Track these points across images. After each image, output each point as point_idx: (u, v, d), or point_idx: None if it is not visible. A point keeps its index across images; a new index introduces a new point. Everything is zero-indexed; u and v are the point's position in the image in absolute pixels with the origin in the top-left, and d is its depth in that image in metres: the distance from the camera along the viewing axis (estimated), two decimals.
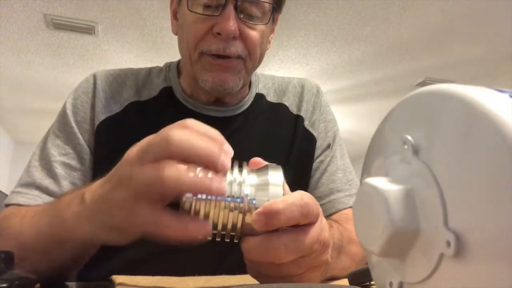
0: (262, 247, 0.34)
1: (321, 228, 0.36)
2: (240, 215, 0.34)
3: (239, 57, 0.63)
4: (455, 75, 3.79)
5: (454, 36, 3.17)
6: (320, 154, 0.75)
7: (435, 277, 0.23)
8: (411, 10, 2.83)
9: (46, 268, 0.46)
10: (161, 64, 0.80)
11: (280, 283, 0.45)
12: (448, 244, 0.21)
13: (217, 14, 0.61)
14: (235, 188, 0.34)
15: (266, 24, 0.65)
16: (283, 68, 3.76)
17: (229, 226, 0.34)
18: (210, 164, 0.33)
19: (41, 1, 2.73)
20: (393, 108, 0.28)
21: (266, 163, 0.39)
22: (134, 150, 0.35)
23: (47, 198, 0.61)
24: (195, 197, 0.33)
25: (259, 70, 0.78)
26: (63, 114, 0.69)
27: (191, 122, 0.35)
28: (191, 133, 0.33)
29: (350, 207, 0.70)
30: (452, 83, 0.24)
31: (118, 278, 0.45)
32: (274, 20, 0.71)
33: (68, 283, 0.53)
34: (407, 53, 3.44)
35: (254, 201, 0.34)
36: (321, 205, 0.55)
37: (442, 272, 0.22)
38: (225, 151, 0.34)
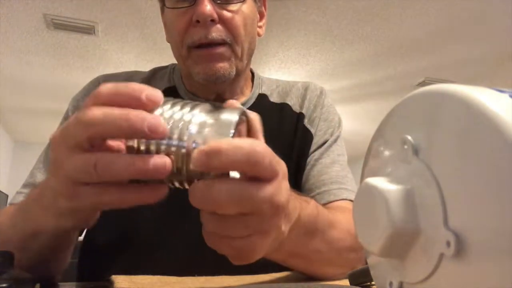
0: (205, 190, 0.31)
1: (277, 190, 0.33)
2: (184, 158, 0.31)
3: (224, 42, 0.64)
4: (455, 75, 3.80)
5: (454, 36, 3.17)
6: (315, 150, 0.74)
7: (435, 277, 0.23)
8: (411, 10, 2.83)
9: (26, 265, 0.45)
10: (162, 64, 0.80)
11: (281, 283, 0.45)
12: (448, 244, 0.21)
13: (192, 4, 0.63)
14: (180, 127, 0.31)
15: (242, 2, 0.65)
16: (283, 68, 3.76)
17: (175, 170, 0.31)
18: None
19: (41, 1, 2.73)
20: (393, 108, 0.28)
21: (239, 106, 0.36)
22: (56, 136, 0.33)
23: None
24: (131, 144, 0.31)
25: (260, 72, 0.78)
26: (65, 117, 0.71)
27: (103, 90, 0.32)
28: (104, 109, 0.31)
29: (343, 199, 0.67)
30: (452, 83, 0.24)
31: (117, 278, 0.45)
32: (258, 1, 0.71)
33: (68, 283, 0.53)
34: (407, 53, 3.44)
35: (194, 144, 0.31)
36: (311, 197, 0.54)
37: (442, 272, 0.22)
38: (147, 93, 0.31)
